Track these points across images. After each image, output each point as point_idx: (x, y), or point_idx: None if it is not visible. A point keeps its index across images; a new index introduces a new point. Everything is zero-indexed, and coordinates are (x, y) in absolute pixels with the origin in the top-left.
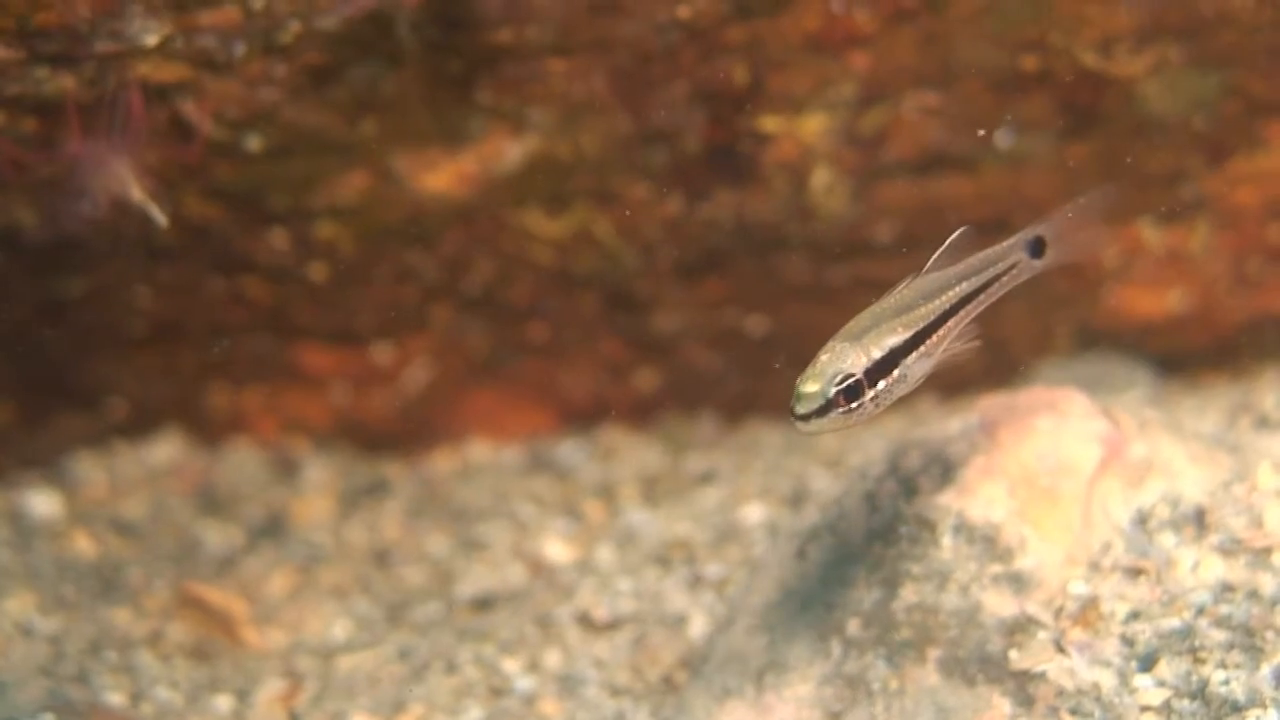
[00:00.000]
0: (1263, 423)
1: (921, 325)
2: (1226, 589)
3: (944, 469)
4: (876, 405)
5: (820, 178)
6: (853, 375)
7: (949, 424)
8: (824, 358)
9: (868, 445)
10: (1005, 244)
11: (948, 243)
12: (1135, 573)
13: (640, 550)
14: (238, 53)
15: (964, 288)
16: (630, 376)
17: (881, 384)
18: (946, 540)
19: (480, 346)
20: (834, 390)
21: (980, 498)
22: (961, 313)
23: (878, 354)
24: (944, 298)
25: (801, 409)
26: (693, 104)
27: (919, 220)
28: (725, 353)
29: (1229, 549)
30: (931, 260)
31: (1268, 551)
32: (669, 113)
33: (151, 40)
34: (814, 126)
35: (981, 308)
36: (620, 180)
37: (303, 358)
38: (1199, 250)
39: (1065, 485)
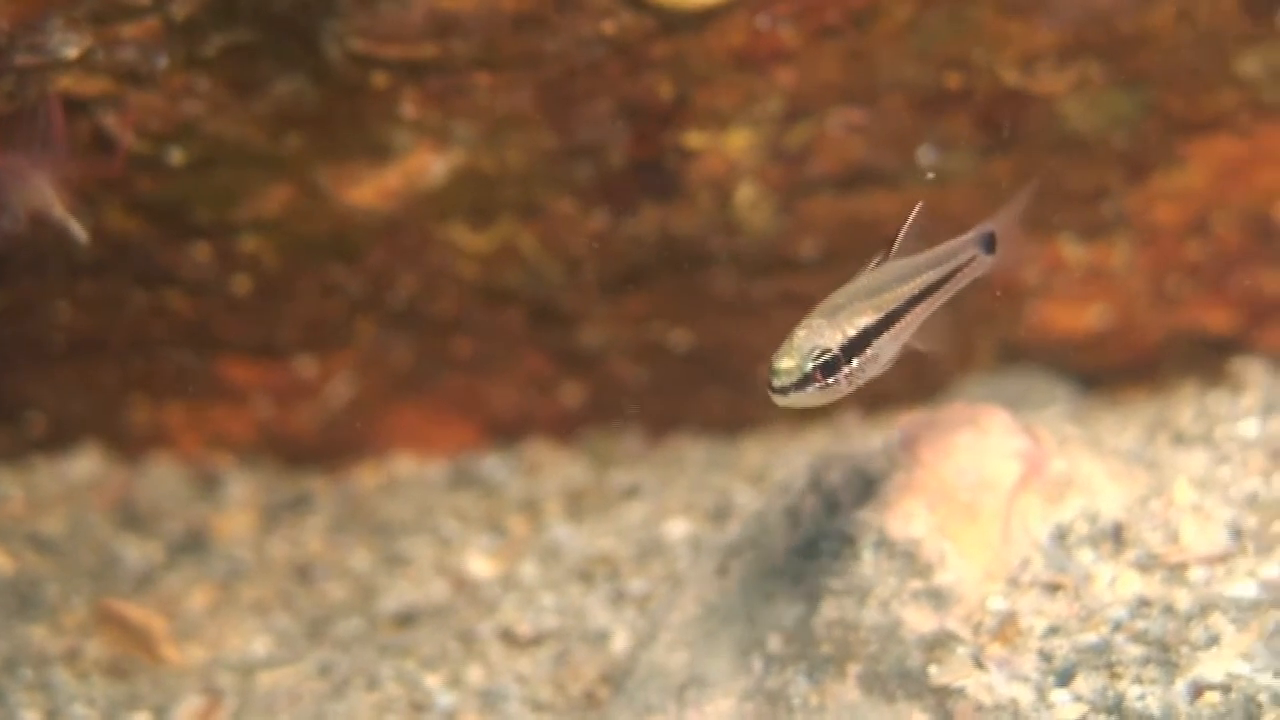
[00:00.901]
0: (1180, 439)
1: (892, 308)
2: (1143, 604)
3: (865, 485)
4: (850, 383)
5: (745, 193)
6: (830, 350)
7: (871, 440)
8: (801, 333)
9: (791, 460)
10: (963, 238)
11: (910, 220)
12: (1053, 588)
13: (564, 565)
14: (160, 65)
15: (930, 276)
16: (555, 391)
17: (855, 361)
18: (867, 556)
19: (405, 361)
20: (811, 365)
21: (901, 513)
22: (927, 301)
23: (852, 332)
24: (911, 284)
25: (779, 382)
26: (618, 119)
27: (843, 236)
28: (650, 367)
29: (1146, 564)
30: (898, 240)
31: (1183, 567)
32: (594, 128)
33: (72, 53)
34: (739, 142)
35: (943, 299)
36: (545, 195)
37: (225, 372)
38: (1119, 266)
39: (985, 501)
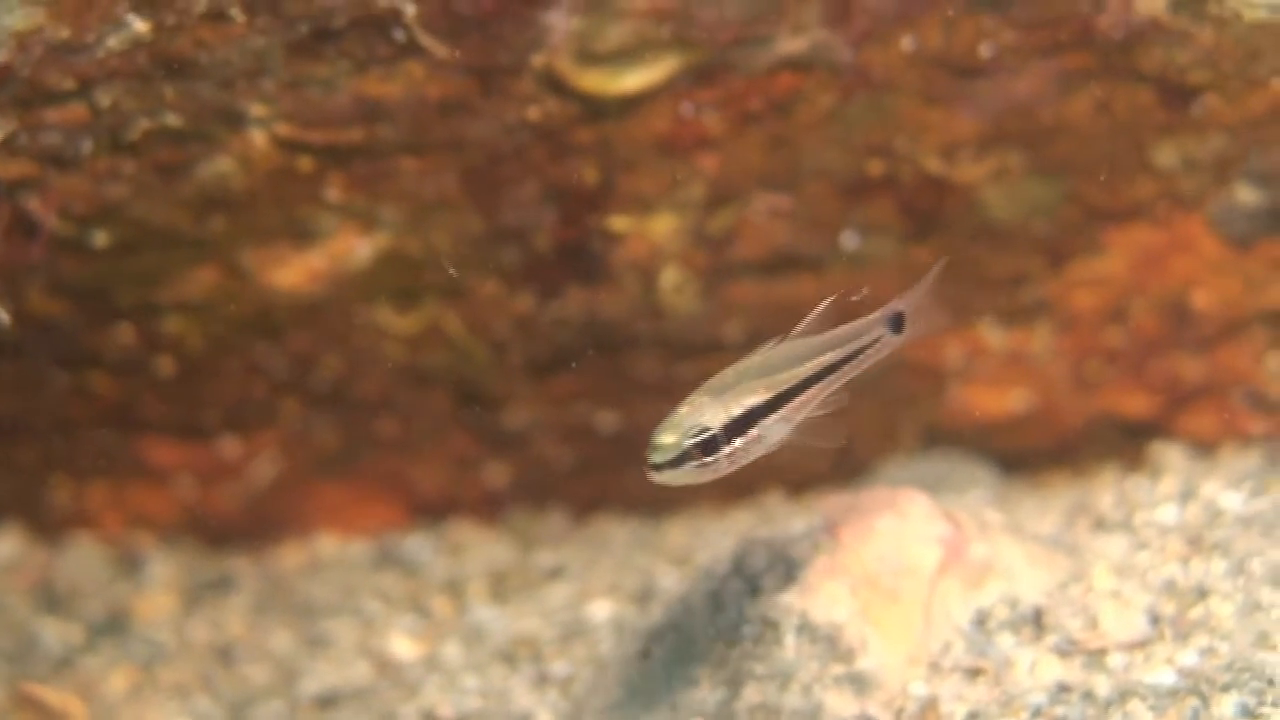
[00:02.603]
0: (1099, 524)
1: (783, 388)
2: (1063, 689)
3: (788, 568)
4: (732, 462)
5: (669, 277)
6: (709, 430)
7: (793, 523)
8: (683, 409)
9: (715, 542)
10: (870, 318)
11: (818, 310)
12: (974, 673)
13: (487, 647)
14: (85, 149)
15: (829, 357)
16: (480, 471)
17: (738, 441)
18: (790, 640)
19: (329, 441)
20: (689, 443)
21: (823, 597)
22: (824, 381)
23: (737, 411)
24: (808, 365)
25: (657, 459)
26: (543, 203)
27: (767, 319)
28: (575, 449)
29: (1065, 650)
30: (800, 325)
31: (1102, 653)
32: (520, 211)
33: None
34: (663, 226)
35: (843, 380)
36: (471, 277)
37: (148, 452)
38: (1040, 352)
39: (906, 586)
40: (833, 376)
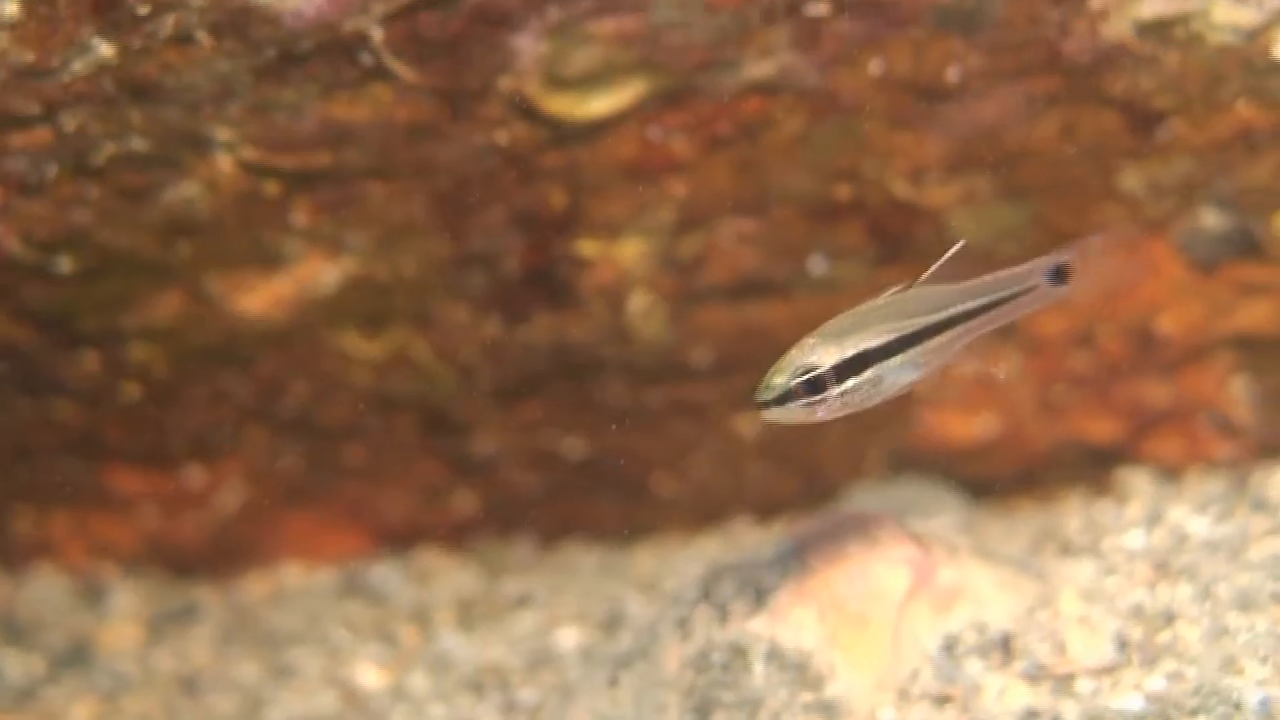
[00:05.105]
0: (1066, 549)
1: (908, 332)
2: (1031, 715)
3: (756, 595)
4: (845, 404)
5: (637, 302)
6: (817, 369)
7: (762, 548)
8: (794, 351)
9: (682, 568)
10: (1024, 267)
11: (947, 255)
12: (943, 700)
13: (454, 676)
14: (49, 174)
15: (969, 304)
16: (447, 498)
17: (850, 382)
18: (758, 667)
19: (295, 468)
20: (795, 381)
21: (791, 624)
22: (962, 327)
23: (850, 352)
24: (944, 311)
25: (764, 396)
26: (511, 228)
27: (735, 344)
28: (543, 475)
29: (1034, 675)
30: (927, 273)
31: (1070, 678)
32: (488, 236)
33: None
34: (631, 251)
35: (986, 329)
36: (438, 303)
37: (112, 480)
38: (1007, 376)
39: (875, 611)
40: (973, 323)
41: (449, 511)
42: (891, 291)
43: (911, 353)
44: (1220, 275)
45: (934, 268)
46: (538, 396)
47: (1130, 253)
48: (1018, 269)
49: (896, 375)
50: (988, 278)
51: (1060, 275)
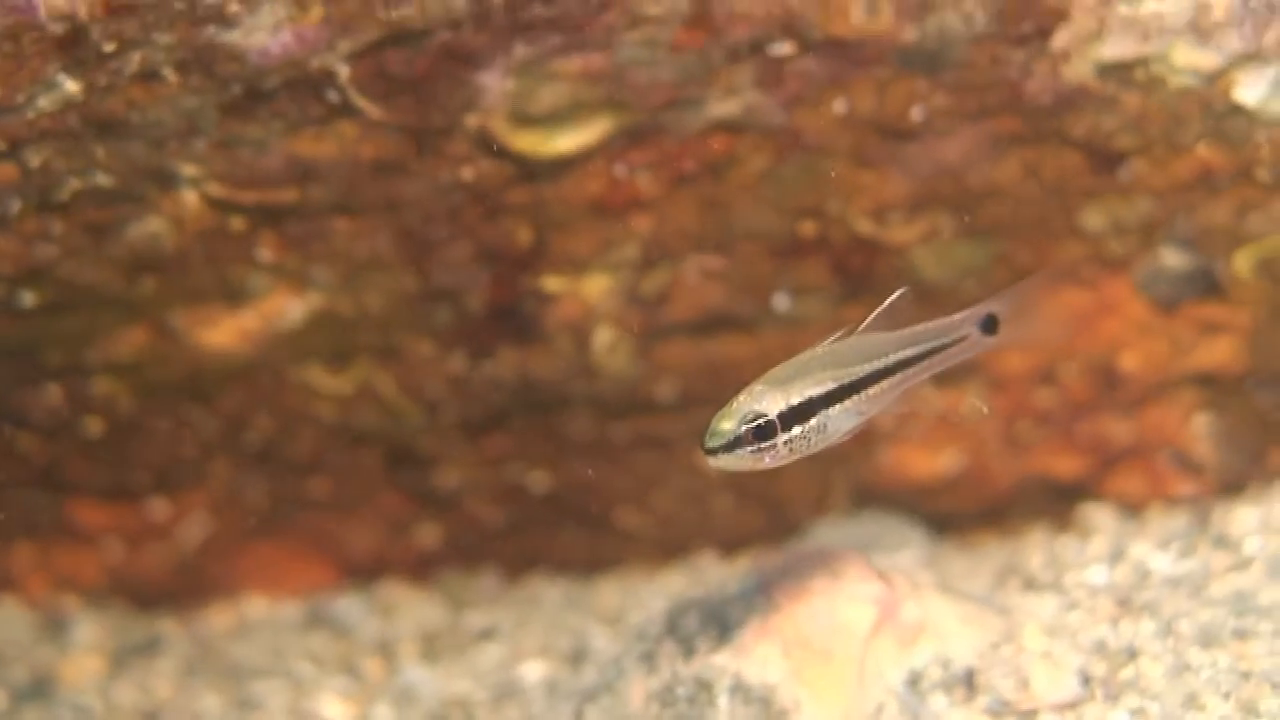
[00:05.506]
0: (1030, 584)
1: (850, 380)
2: None
3: (721, 629)
4: (791, 450)
5: (603, 337)
6: (765, 416)
7: (727, 584)
8: (742, 396)
9: (648, 602)
10: (957, 316)
11: (887, 303)
12: None
13: (418, 709)
14: (13, 209)
15: (906, 353)
16: (412, 532)
17: (797, 429)
18: (723, 701)
19: (259, 501)
20: (744, 428)
21: (756, 659)
22: (900, 375)
23: (796, 400)
24: (882, 359)
25: (712, 443)
26: (477, 263)
27: (700, 379)
28: (507, 508)
29: (997, 711)
30: (866, 321)
31: (1033, 714)
32: (453, 271)
33: None
34: (597, 287)
35: (922, 376)
36: (404, 338)
37: (75, 514)
38: (970, 413)
39: (840, 646)
40: (910, 371)
41: (414, 544)
42: (832, 339)
43: (853, 400)
44: (1181, 314)
45: (873, 315)
46: (503, 431)
47: (1062, 299)
48: (951, 318)
49: (839, 422)
50: (920, 327)
51: (990, 325)
